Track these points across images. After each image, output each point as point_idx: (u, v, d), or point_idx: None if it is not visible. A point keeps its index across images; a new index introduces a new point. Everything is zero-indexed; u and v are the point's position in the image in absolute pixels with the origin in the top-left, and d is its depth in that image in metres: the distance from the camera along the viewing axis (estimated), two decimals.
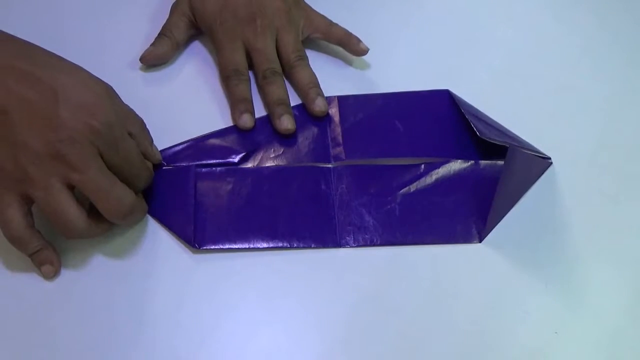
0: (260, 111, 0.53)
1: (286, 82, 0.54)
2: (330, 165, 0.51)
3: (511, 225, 0.49)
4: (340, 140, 0.52)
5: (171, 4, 0.56)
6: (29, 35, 0.45)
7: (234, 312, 0.45)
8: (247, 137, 0.52)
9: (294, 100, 0.54)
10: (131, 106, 0.47)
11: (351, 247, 0.48)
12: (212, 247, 0.47)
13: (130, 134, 0.45)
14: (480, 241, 0.48)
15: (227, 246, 0.47)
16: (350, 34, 0.55)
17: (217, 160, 0.50)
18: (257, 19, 0.53)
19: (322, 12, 0.56)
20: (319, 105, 0.52)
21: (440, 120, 0.53)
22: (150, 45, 0.54)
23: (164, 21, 0.55)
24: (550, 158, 0.51)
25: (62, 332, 0.44)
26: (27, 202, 0.43)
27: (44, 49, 0.44)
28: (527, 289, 0.46)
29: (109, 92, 0.44)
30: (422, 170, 0.51)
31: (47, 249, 0.45)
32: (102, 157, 0.42)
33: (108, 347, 0.43)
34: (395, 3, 0.60)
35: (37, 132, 0.40)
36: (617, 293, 0.46)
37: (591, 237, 0.48)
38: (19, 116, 0.41)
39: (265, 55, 0.53)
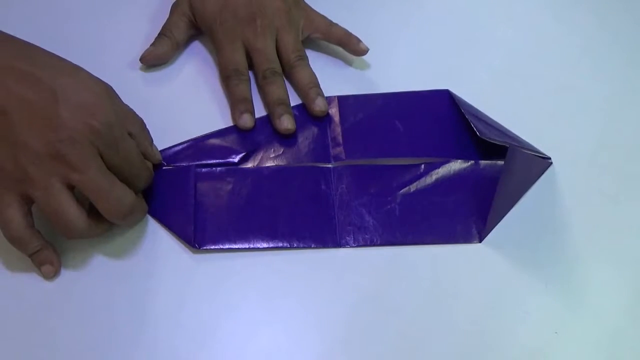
0: (260, 111, 0.53)
1: (286, 82, 0.54)
2: (330, 165, 0.51)
3: (511, 225, 0.49)
4: (340, 140, 0.52)
5: (171, 4, 0.56)
6: (29, 35, 0.45)
7: (234, 312, 0.45)
8: (247, 137, 0.52)
9: (294, 100, 0.54)
10: (131, 106, 0.47)
11: (351, 247, 0.48)
12: (212, 247, 0.47)
13: (130, 134, 0.45)
14: (480, 241, 0.48)
15: (227, 246, 0.47)
16: (350, 34, 0.55)
17: (217, 160, 0.50)
18: (257, 19, 0.53)
19: (322, 12, 0.56)
20: (319, 105, 0.52)
21: (440, 120, 0.53)
22: (150, 45, 0.54)
23: (164, 21, 0.55)
24: (550, 158, 0.51)
25: (62, 332, 0.44)
26: (27, 202, 0.43)
27: (43, 50, 0.44)
28: (527, 289, 0.46)
29: (109, 92, 0.44)
30: (422, 170, 0.51)
31: (47, 249, 0.45)
32: (102, 157, 0.42)
33: (108, 347, 0.43)
34: (395, 3, 0.60)
35: (37, 132, 0.40)
36: (617, 293, 0.46)
37: (591, 237, 0.48)
38: (19, 116, 0.41)
39: (265, 55, 0.53)
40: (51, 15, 0.57)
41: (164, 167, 0.50)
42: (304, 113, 0.53)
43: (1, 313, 0.44)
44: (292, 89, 0.54)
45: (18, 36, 0.44)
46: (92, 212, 0.43)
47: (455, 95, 0.54)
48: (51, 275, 0.45)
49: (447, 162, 0.51)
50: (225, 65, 0.53)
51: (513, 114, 0.53)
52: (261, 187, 0.50)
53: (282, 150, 0.51)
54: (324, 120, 0.53)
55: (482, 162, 0.51)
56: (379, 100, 0.54)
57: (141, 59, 0.54)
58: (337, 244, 0.48)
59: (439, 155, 0.51)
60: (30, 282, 0.45)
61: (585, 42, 0.58)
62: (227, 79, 0.53)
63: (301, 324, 0.45)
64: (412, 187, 0.50)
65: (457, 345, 0.44)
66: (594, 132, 0.53)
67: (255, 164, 0.51)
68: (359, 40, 0.55)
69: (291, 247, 0.47)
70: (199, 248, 0.47)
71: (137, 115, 0.47)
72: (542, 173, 0.51)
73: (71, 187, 0.42)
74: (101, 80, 0.44)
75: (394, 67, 0.56)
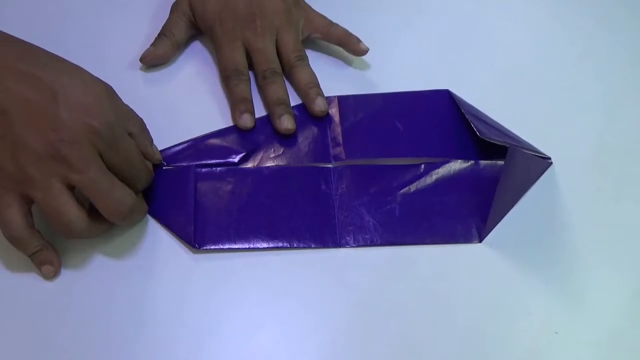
0: (260, 111, 0.53)
1: (286, 82, 0.54)
2: (330, 165, 0.51)
3: (511, 225, 0.49)
4: (340, 140, 0.52)
5: (171, 4, 0.56)
6: (29, 35, 0.45)
7: (234, 312, 0.45)
8: (247, 137, 0.52)
9: (294, 100, 0.54)
10: (131, 106, 0.47)
11: (351, 247, 0.48)
12: (212, 247, 0.47)
13: (130, 134, 0.45)
14: (480, 241, 0.48)
15: (227, 246, 0.47)
16: (350, 34, 0.55)
17: (217, 160, 0.50)
18: (257, 19, 0.53)
19: (322, 12, 0.56)
20: (319, 105, 0.52)
21: (440, 120, 0.53)
22: (151, 46, 0.54)
23: (164, 21, 0.55)
24: (550, 158, 0.51)
25: (62, 332, 0.44)
26: (27, 202, 0.43)
27: (43, 50, 0.44)
28: (527, 289, 0.46)
29: (109, 92, 0.44)
30: (422, 170, 0.51)
31: (47, 249, 0.45)
32: (102, 157, 0.42)
33: (108, 347, 0.43)
34: (395, 3, 0.60)
35: (37, 132, 0.40)
36: (617, 293, 0.46)
37: (591, 237, 0.48)
38: (19, 116, 0.41)
39: (265, 55, 0.53)
40: (51, 15, 0.57)
41: (164, 167, 0.50)
42: (304, 113, 0.53)
43: (1, 313, 0.44)
44: (292, 89, 0.54)
45: (18, 36, 0.44)
46: (92, 212, 0.43)
47: (455, 95, 0.54)
48: (51, 276, 0.45)
49: (447, 162, 0.51)
50: (225, 65, 0.53)
51: (513, 114, 0.53)
52: (261, 187, 0.50)
53: (282, 150, 0.51)
54: (324, 120, 0.53)
55: (482, 162, 0.51)
56: (379, 100, 0.54)
57: (141, 59, 0.54)
58: (337, 244, 0.48)
59: (439, 155, 0.51)
60: (30, 282, 0.45)
61: (586, 42, 0.58)
62: (227, 78, 0.53)
63: (301, 324, 0.45)
64: (412, 187, 0.50)
65: (457, 345, 0.44)
66: (594, 132, 0.53)
67: (255, 164, 0.51)
68: (358, 40, 0.55)
69: (291, 247, 0.47)
70: (199, 248, 0.47)
71: (137, 115, 0.47)
72: (542, 173, 0.51)
73: (71, 187, 0.42)
74: (101, 80, 0.44)
75: (394, 67, 0.56)
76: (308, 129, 0.53)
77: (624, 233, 0.49)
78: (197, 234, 0.47)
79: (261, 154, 0.51)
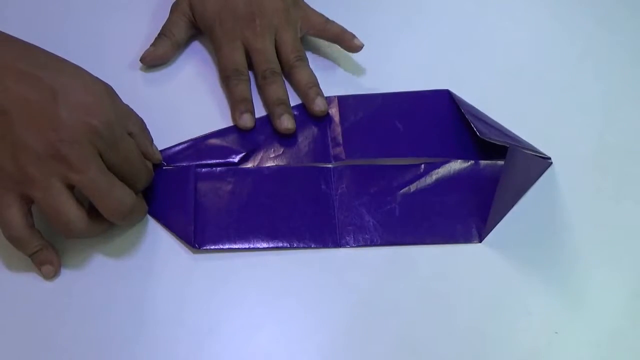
0: (260, 111, 0.53)
1: (286, 82, 0.54)
2: (330, 165, 0.51)
3: (511, 225, 0.49)
4: (340, 140, 0.52)
5: (171, 4, 0.56)
6: (29, 35, 0.45)
7: (234, 312, 0.45)
8: (247, 137, 0.52)
9: (294, 100, 0.54)
10: (131, 106, 0.47)
11: (351, 247, 0.48)
12: (212, 247, 0.47)
13: (130, 134, 0.45)
14: (480, 241, 0.48)
15: (227, 246, 0.47)
16: (345, 30, 0.55)
17: (217, 160, 0.50)
18: (256, 18, 0.53)
19: (321, 12, 0.56)
20: (318, 105, 0.52)
21: (440, 120, 0.53)
22: (151, 46, 0.54)
23: (164, 21, 0.55)
24: (550, 158, 0.51)
25: (62, 332, 0.44)
26: (27, 202, 0.43)
27: (43, 50, 0.44)
28: (527, 289, 0.46)
29: (109, 92, 0.44)
30: (422, 170, 0.51)
31: (47, 249, 0.45)
32: (101, 157, 0.42)
33: (108, 347, 0.43)
34: (395, 3, 0.60)
35: (37, 132, 0.40)
36: (617, 293, 0.46)
37: (591, 237, 0.48)
38: (19, 116, 0.41)
39: (265, 55, 0.53)
40: (51, 16, 0.57)
41: (164, 167, 0.50)
42: (304, 113, 0.53)
43: (1, 313, 0.44)
44: (291, 90, 0.54)
45: (18, 36, 0.44)
46: (92, 212, 0.43)
47: (455, 95, 0.54)
48: (51, 275, 0.45)
49: (447, 162, 0.51)
50: (225, 65, 0.53)
51: (513, 114, 0.53)
52: (261, 187, 0.50)
53: (282, 150, 0.51)
54: (324, 120, 0.53)
55: (482, 162, 0.51)
56: (379, 100, 0.54)
57: (141, 60, 0.54)
58: (337, 244, 0.48)
59: (439, 155, 0.51)
60: (30, 282, 0.45)
61: (586, 42, 0.58)
62: (227, 79, 0.53)
63: (301, 324, 0.45)
64: (412, 187, 0.50)
65: (457, 345, 0.44)
66: (594, 132, 0.53)
67: (256, 164, 0.51)
68: (353, 36, 0.54)
69: (291, 247, 0.47)
70: (199, 248, 0.47)
71: (137, 115, 0.47)
72: (542, 173, 0.51)
73: (71, 187, 0.42)
74: (101, 80, 0.44)
75: (394, 67, 0.56)
76: (308, 129, 0.53)
77: (624, 233, 0.49)
78: (197, 234, 0.47)
79: (261, 154, 0.51)
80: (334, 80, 0.55)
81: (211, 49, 0.56)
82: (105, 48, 0.56)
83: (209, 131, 0.52)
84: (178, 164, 0.50)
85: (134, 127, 0.46)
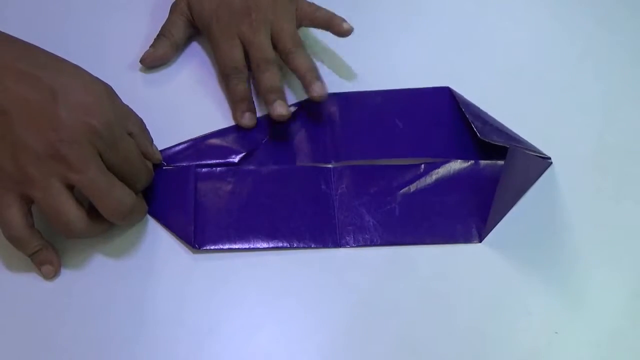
0: (260, 110, 0.53)
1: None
2: (330, 165, 0.51)
3: (511, 225, 0.49)
4: (340, 140, 0.52)
5: (170, 4, 0.56)
6: (29, 35, 0.45)
7: (234, 312, 0.45)
8: (247, 137, 0.52)
9: (294, 96, 0.54)
10: (131, 106, 0.47)
11: (351, 247, 0.48)
12: (212, 247, 0.47)
13: (130, 134, 0.45)
14: (480, 241, 0.48)
15: (227, 246, 0.47)
16: (335, 15, 0.54)
17: (217, 160, 0.50)
18: (252, 13, 0.52)
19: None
20: (316, 91, 0.51)
21: (441, 119, 0.53)
22: (150, 47, 0.54)
23: (164, 21, 0.55)
24: (550, 158, 0.51)
25: (62, 332, 0.44)
26: (27, 202, 0.43)
27: (43, 50, 0.44)
28: (527, 289, 0.46)
29: (109, 92, 0.44)
30: (422, 170, 0.51)
31: (47, 249, 0.45)
32: (101, 157, 0.42)
33: (108, 347, 0.43)
34: (396, 3, 0.60)
35: (36, 132, 0.41)
36: (617, 293, 0.46)
37: (591, 237, 0.48)
38: (19, 116, 0.41)
39: (261, 48, 0.52)
40: (51, 16, 0.57)
41: (164, 167, 0.50)
42: (303, 113, 0.53)
43: (1, 313, 0.44)
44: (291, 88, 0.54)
45: (18, 36, 0.44)
46: (92, 212, 0.43)
47: (455, 92, 0.54)
48: (51, 276, 0.45)
49: (447, 162, 0.51)
50: (224, 64, 0.53)
51: (513, 113, 0.53)
52: (261, 187, 0.50)
53: (282, 150, 0.51)
54: (324, 119, 0.53)
55: (482, 162, 0.51)
56: (378, 98, 0.54)
57: (141, 61, 0.54)
58: (337, 244, 0.48)
59: (439, 155, 0.51)
60: (30, 282, 0.45)
61: (586, 42, 0.58)
62: (227, 77, 0.53)
63: (301, 324, 0.45)
64: (412, 187, 0.50)
65: (457, 345, 0.44)
66: (594, 132, 0.53)
67: (256, 164, 0.51)
68: (342, 20, 0.53)
69: (291, 247, 0.47)
70: (199, 248, 0.47)
71: (137, 115, 0.47)
72: (542, 173, 0.51)
73: (71, 187, 0.42)
74: (101, 80, 0.44)
75: (394, 67, 0.56)
76: (308, 128, 0.52)
77: (624, 233, 0.49)
78: (197, 234, 0.47)
79: (261, 154, 0.51)
80: (334, 78, 0.55)
81: (210, 48, 0.56)
82: (105, 48, 0.56)
83: (209, 131, 0.52)
84: (178, 164, 0.50)
85: (134, 127, 0.46)
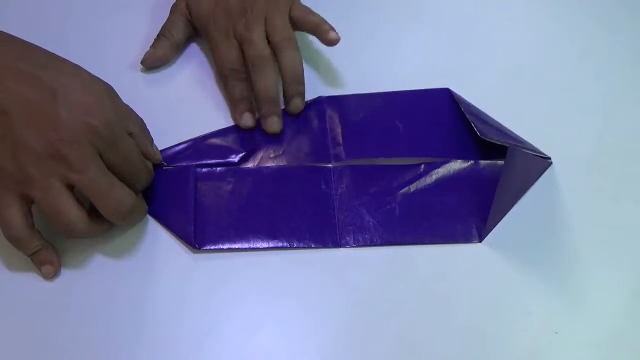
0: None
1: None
2: (330, 165, 0.51)
3: (511, 225, 0.49)
4: (340, 140, 0.52)
5: (171, 4, 0.56)
6: (29, 35, 0.45)
7: (234, 312, 0.45)
8: (247, 136, 0.52)
9: None
10: (131, 106, 0.47)
11: (351, 247, 0.48)
12: (212, 247, 0.47)
13: (130, 134, 0.45)
14: (480, 241, 0.48)
15: (227, 246, 0.47)
16: (324, 22, 0.53)
17: (217, 160, 0.50)
18: (247, 12, 0.52)
19: (322, 12, 0.56)
20: (294, 106, 0.52)
21: (441, 120, 0.53)
22: (150, 48, 0.54)
23: (164, 21, 0.55)
24: (550, 158, 0.51)
25: (62, 332, 0.44)
26: (27, 202, 0.43)
27: (43, 49, 0.44)
28: (527, 289, 0.46)
29: (109, 92, 0.44)
30: (422, 170, 0.51)
31: (47, 249, 0.45)
32: (101, 157, 0.42)
33: (108, 347, 0.43)
34: (396, 3, 0.60)
35: (36, 132, 0.41)
36: (617, 293, 0.46)
37: (591, 237, 0.48)
38: (19, 116, 0.41)
39: (255, 44, 0.52)
40: (51, 16, 0.57)
41: (164, 167, 0.50)
42: (304, 113, 0.53)
43: (1, 313, 0.44)
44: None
45: (18, 36, 0.44)
46: (92, 212, 0.43)
47: (455, 94, 0.54)
48: (51, 276, 0.45)
49: (447, 162, 0.51)
50: (222, 65, 0.53)
51: (513, 114, 0.53)
52: (261, 187, 0.50)
53: (282, 150, 0.51)
54: (324, 120, 0.53)
55: (482, 162, 0.51)
56: (378, 99, 0.54)
57: (142, 62, 0.54)
58: (337, 244, 0.48)
59: (439, 155, 0.51)
60: (30, 282, 0.45)
61: (586, 42, 0.58)
62: (225, 78, 0.53)
63: (301, 324, 0.45)
64: (412, 187, 0.50)
65: (457, 345, 0.44)
66: (594, 132, 0.53)
67: (256, 163, 0.51)
68: (330, 29, 0.52)
69: (291, 247, 0.47)
70: (199, 248, 0.47)
71: (137, 115, 0.47)
72: (542, 173, 0.51)
73: (71, 187, 0.42)
74: (101, 80, 0.44)
75: (394, 67, 0.56)
76: (308, 129, 0.52)
77: (624, 233, 0.49)
78: (197, 234, 0.47)
79: (261, 154, 0.51)
80: (335, 80, 0.55)
81: (209, 48, 0.56)
82: (106, 48, 0.56)
83: (209, 131, 0.52)
84: (178, 164, 0.50)
85: (134, 127, 0.46)
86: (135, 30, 0.56)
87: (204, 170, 0.50)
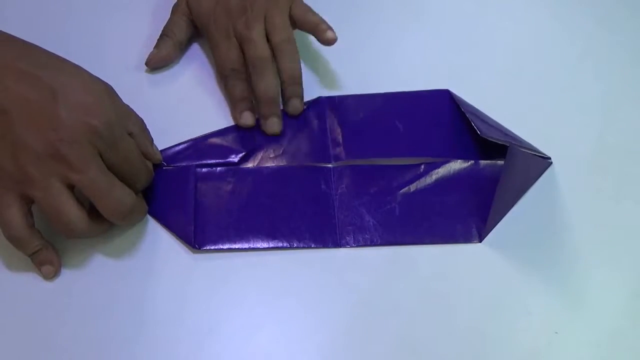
0: None
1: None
2: (330, 165, 0.51)
3: (511, 225, 0.49)
4: (340, 140, 0.52)
5: (171, 3, 0.56)
6: (29, 35, 0.45)
7: (234, 312, 0.45)
8: (247, 136, 0.52)
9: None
10: (131, 106, 0.47)
11: (351, 247, 0.48)
12: (212, 247, 0.47)
13: (130, 134, 0.45)
14: (480, 241, 0.48)
15: (227, 246, 0.47)
16: (323, 21, 0.53)
17: (217, 160, 0.50)
18: (247, 11, 0.52)
19: (322, 12, 0.56)
20: (292, 107, 0.52)
21: (440, 120, 0.53)
22: (154, 48, 0.54)
23: (165, 21, 0.55)
24: (550, 158, 0.51)
25: (62, 332, 0.44)
26: (27, 202, 0.43)
27: (43, 49, 0.44)
28: (527, 289, 0.46)
29: (109, 92, 0.44)
30: (422, 170, 0.51)
31: (47, 249, 0.45)
32: (101, 157, 0.42)
33: (108, 347, 0.43)
34: (396, 3, 0.60)
35: (36, 132, 0.41)
36: (617, 293, 0.46)
37: (591, 237, 0.48)
38: (19, 116, 0.41)
39: (255, 45, 0.52)
40: (52, 16, 0.57)
41: (164, 167, 0.50)
42: (304, 113, 0.53)
43: (1, 313, 0.44)
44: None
45: (18, 36, 0.44)
46: (92, 212, 0.43)
47: (455, 95, 0.54)
48: (51, 276, 0.45)
49: (447, 162, 0.51)
50: (223, 65, 0.53)
51: (513, 114, 0.53)
52: (261, 187, 0.50)
53: (282, 150, 0.51)
54: (324, 120, 0.53)
55: (482, 162, 0.51)
56: (379, 100, 0.54)
57: (146, 64, 0.54)
58: (337, 244, 0.48)
59: (439, 155, 0.51)
60: (30, 282, 0.45)
61: (586, 42, 0.58)
62: (225, 78, 0.53)
63: (301, 324, 0.45)
64: (412, 187, 0.50)
65: (457, 345, 0.44)
66: (594, 132, 0.53)
67: (256, 163, 0.51)
68: (327, 28, 0.52)
69: (291, 247, 0.47)
70: (199, 248, 0.47)
71: (137, 115, 0.47)
72: (542, 173, 0.51)
73: (71, 187, 0.42)
74: (101, 80, 0.44)
75: (394, 68, 0.56)
76: (308, 129, 0.52)
77: (624, 233, 0.49)
78: (197, 234, 0.47)
79: (261, 154, 0.51)
80: (335, 80, 0.55)
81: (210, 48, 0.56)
82: (106, 48, 0.56)
83: (209, 131, 0.52)
84: (178, 164, 0.50)
85: (134, 127, 0.46)
86: (136, 30, 0.56)
87: (204, 170, 0.50)
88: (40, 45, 0.44)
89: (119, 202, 0.43)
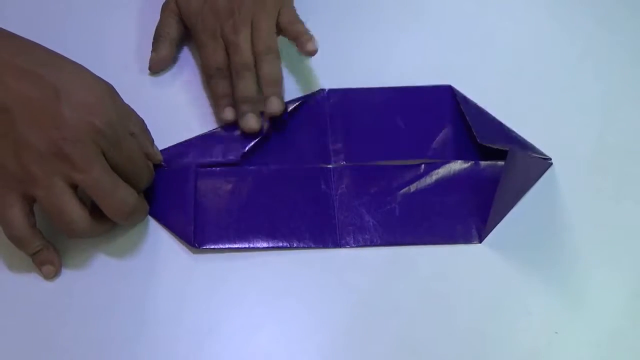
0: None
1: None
2: (330, 166, 0.51)
3: (511, 225, 0.49)
4: (341, 141, 0.52)
5: None
6: (29, 35, 0.44)
7: (234, 312, 0.45)
8: (248, 136, 0.52)
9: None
10: (131, 106, 0.47)
11: (351, 247, 0.48)
12: (212, 246, 0.47)
13: (131, 134, 0.45)
14: (480, 241, 0.48)
15: (227, 246, 0.47)
16: (305, 32, 0.52)
17: (217, 160, 0.50)
18: (235, 13, 0.52)
19: (322, 12, 0.56)
20: (271, 108, 0.51)
21: (441, 118, 0.53)
22: (152, 52, 0.54)
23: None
24: (550, 158, 0.51)
25: (62, 332, 0.44)
26: (29, 201, 0.43)
27: (45, 47, 0.44)
28: (527, 289, 0.46)
29: (110, 92, 0.44)
30: (422, 170, 0.51)
31: (48, 249, 0.45)
32: (105, 157, 0.42)
33: (108, 347, 0.43)
34: (396, 3, 0.60)
35: (39, 130, 0.40)
36: (617, 293, 0.46)
37: (591, 237, 0.48)
38: (21, 114, 0.40)
39: (240, 49, 0.51)
40: (52, 15, 0.57)
41: (164, 167, 0.50)
42: (304, 111, 0.53)
43: (1, 313, 0.44)
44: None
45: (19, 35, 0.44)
46: (95, 211, 0.43)
47: (457, 91, 0.54)
48: (52, 276, 0.45)
49: (447, 162, 0.51)
50: (208, 65, 0.52)
51: (513, 113, 0.53)
52: (261, 187, 0.50)
53: (282, 150, 0.51)
54: (324, 120, 0.53)
55: (482, 163, 0.51)
56: (379, 95, 0.54)
57: (150, 69, 0.54)
58: (337, 244, 0.48)
59: (439, 156, 0.51)
60: (31, 282, 0.45)
61: (586, 42, 0.58)
62: (210, 78, 0.52)
63: (301, 324, 0.45)
64: (412, 187, 0.50)
65: (457, 346, 0.44)
66: (594, 132, 0.53)
67: (256, 164, 0.51)
68: (309, 39, 0.52)
69: (291, 247, 0.47)
70: (199, 247, 0.47)
71: (138, 115, 0.47)
72: (542, 173, 0.51)
73: (74, 186, 0.42)
74: (102, 79, 0.44)
75: (394, 67, 0.56)
76: (308, 128, 0.52)
77: (624, 233, 0.49)
78: (197, 234, 0.47)
79: (261, 154, 0.51)
80: (335, 75, 0.55)
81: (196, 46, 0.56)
82: (106, 48, 0.56)
83: (209, 131, 0.52)
84: (178, 164, 0.50)
85: (135, 127, 0.46)
86: (136, 29, 0.56)
87: (204, 170, 0.50)
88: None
89: (123, 202, 0.43)
